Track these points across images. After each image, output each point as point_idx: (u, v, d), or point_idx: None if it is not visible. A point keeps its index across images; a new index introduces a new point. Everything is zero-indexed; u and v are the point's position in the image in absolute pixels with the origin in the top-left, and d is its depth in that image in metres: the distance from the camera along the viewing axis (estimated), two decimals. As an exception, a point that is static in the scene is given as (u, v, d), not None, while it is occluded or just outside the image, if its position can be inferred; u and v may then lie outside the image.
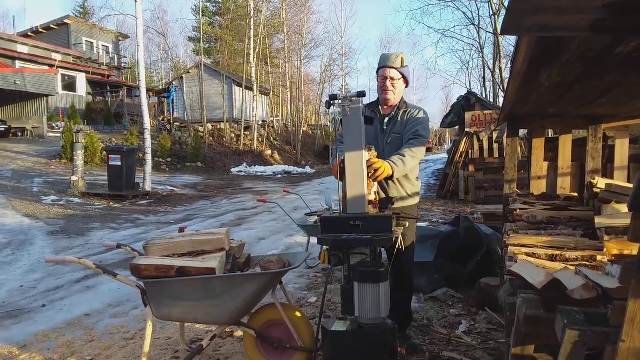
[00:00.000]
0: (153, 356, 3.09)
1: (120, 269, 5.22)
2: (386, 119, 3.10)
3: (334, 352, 2.23)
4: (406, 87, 3.14)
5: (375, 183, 2.62)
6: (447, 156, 15.75)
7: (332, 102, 2.40)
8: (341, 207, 2.46)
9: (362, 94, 2.36)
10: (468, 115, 11.54)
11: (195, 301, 2.53)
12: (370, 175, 2.49)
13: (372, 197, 2.53)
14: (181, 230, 2.94)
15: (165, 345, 3.31)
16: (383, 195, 3.00)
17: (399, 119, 3.06)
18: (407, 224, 2.84)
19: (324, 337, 2.28)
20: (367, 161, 2.48)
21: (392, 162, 2.69)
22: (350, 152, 2.37)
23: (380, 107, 3.14)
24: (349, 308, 2.27)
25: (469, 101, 12.06)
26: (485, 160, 11.36)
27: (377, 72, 3.10)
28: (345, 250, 2.29)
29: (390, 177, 2.70)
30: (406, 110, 3.07)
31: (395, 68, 3.00)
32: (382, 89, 3.05)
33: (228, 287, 2.51)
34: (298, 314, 2.80)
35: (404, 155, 2.79)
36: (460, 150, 11.79)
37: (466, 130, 11.57)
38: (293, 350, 2.72)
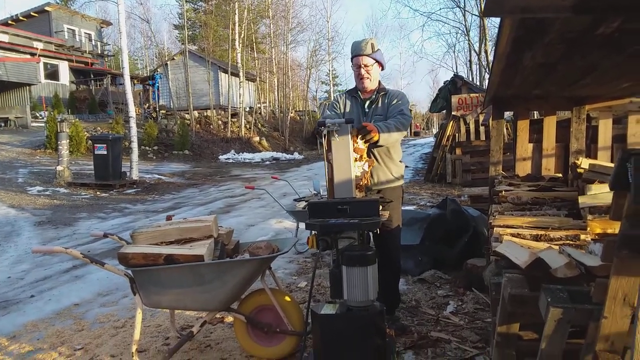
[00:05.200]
0: (143, 344, 3.10)
1: (108, 258, 5.19)
2: (367, 102, 3.15)
3: (324, 335, 2.25)
4: (382, 69, 3.18)
5: (367, 163, 2.65)
6: (434, 140, 15.80)
7: (320, 128, 2.49)
8: (328, 188, 2.49)
9: (350, 121, 2.48)
10: (454, 99, 11.56)
11: (184, 288, 2.54)
12: (361, 137, 2.58)
13: (361, 170, 2.58)
14: (169, 218, 2.93)
15: (156, 332, 3.31)
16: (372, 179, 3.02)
17: (379, 102, 3.12)
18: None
19: (313, 320, 2.30)
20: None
21: (379, 127, 2.73)
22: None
23: (359, 92, 3.19)
24: (338, 291, 2.30)
25: (455, 84, 12.07)
26: (472, 143, 11.41)
27: (351, 61, 3.14)
28: (333, 234, 2.31)
29: (376, 143, 2.72)
30: (386, 94, 3.14)
31: (367, 55, 3.03)
32: (359, 77, 3.11)
33: (217, 274, 2.52)
34: (287, 298, 2.82)
35: (390, 125, 2.83)
36: (447, 133, 11.83)
37: (453, 113, 11.60)
38: (283, 334, 2.75)
